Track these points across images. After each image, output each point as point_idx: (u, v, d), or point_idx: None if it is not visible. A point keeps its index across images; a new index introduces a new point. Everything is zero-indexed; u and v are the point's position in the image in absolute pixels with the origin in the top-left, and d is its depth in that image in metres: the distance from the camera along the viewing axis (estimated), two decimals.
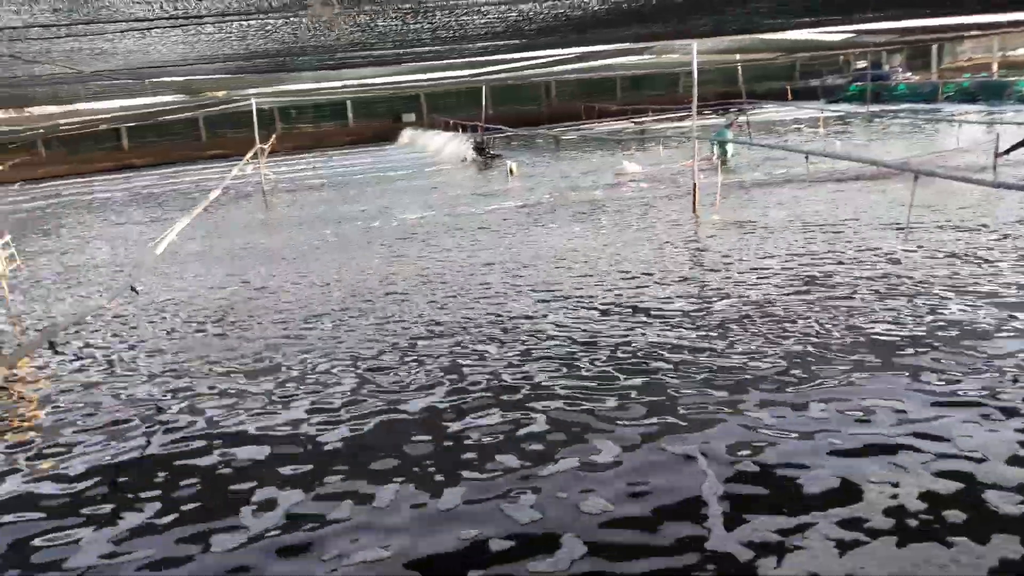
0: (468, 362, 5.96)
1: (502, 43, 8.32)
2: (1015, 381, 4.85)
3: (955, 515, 3.50)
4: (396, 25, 6.09)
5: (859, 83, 31.61)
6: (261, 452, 4.77)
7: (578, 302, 7.26)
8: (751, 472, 4.02)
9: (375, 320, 7.26)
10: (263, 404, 5.48)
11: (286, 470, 4.50)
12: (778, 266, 7.94)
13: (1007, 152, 12.79)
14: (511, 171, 18.52)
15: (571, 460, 4.32)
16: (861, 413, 4.59)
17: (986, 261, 7.44)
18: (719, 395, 5.01)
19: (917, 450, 4.11)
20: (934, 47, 35.83)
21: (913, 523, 3.46)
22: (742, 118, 20.68)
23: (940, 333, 5.70)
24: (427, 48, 8.17)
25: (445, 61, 10.07)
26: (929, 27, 16.89)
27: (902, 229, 8.81)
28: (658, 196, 13.42)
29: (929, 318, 6.02)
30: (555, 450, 4.46)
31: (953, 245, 8.15)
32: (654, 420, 4.72)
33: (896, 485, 3.76)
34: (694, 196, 11.44)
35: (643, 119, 32.31)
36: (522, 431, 4.75)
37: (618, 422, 4.75)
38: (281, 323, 7.47)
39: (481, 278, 8.50)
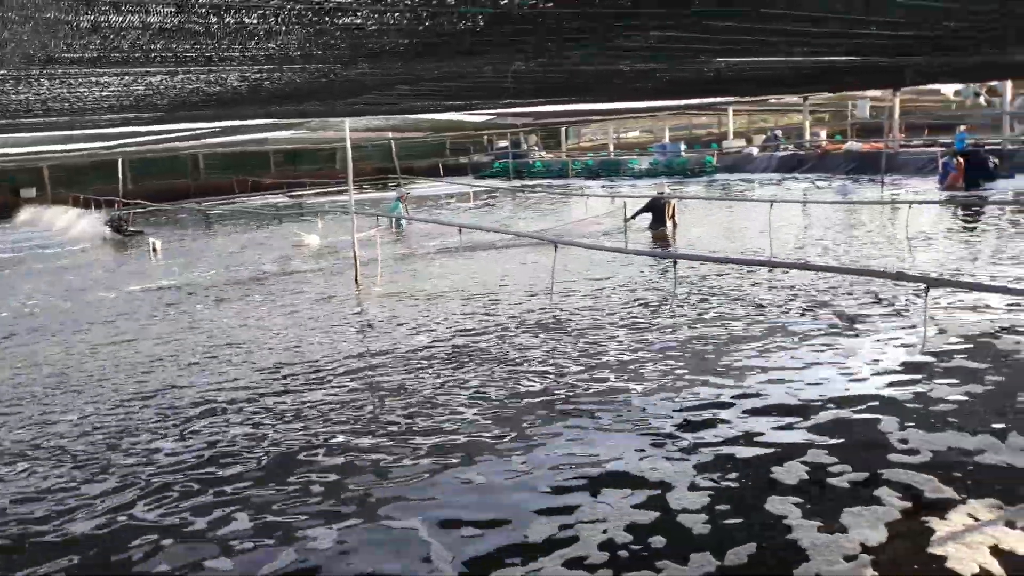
0: (137, 466, 5.15)
1: (132, 116, 7.57)
2: (672, 417, 5.47)
3: (658, 540, 3.90)
4: None
5: (502, 160, 34.32)
6: None
7: (240, 386, 6.66)
8: (473, 533, 4.12)
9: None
10: None
11: None
12: (435, 333, 8.04)
13: (632, 218, 14.62)
14: (154, 249, 17.06)
15: (289, 554, 3.99)
16: (558, 460, 4.92)
17: (612, 314, 8.21)
18: (423, 463, 5.03)
19: (616, 487, 4.49)
20: (563, 129, 40.21)
21: (624, 554, 3.80)
22: (400, 194, 21.24)
23: (595, 380, 6.11)
24: (39, 119, 7.17)
25: (65, 132, 8.97)
26: (557, 112, 18.86)
27: (547, 292, 9.43)
28: (326, 269, 13.15)
29: (588, 369, 6.44)
30: (266, 546, 4.10)
31: (591, 300, 8.90)
32: (364, 498, 4.58)
33: (604, 521, 4.11)
34: (355, 269, 11.38)
35: (300, 192, 31.94)
36: (224, 530, 4.29)
37: (326, 505, 4.51)
38: None
39: (121, 371, 7.48)
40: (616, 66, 7.54)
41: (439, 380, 6.69)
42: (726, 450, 4.94)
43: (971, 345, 6.71)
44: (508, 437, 5.38)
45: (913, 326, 7.29)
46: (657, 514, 4.17)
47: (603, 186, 26.68)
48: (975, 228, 13.40)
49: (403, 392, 6.43)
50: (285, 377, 7.09)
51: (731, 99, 21.83)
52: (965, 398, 5.54)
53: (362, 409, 6.11)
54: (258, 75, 5.31)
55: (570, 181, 30.33)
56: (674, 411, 5.66)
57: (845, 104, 32.53)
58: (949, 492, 4.18)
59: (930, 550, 3.65)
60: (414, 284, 11.32)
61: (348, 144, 11.97)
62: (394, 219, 17.47)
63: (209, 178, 35.77)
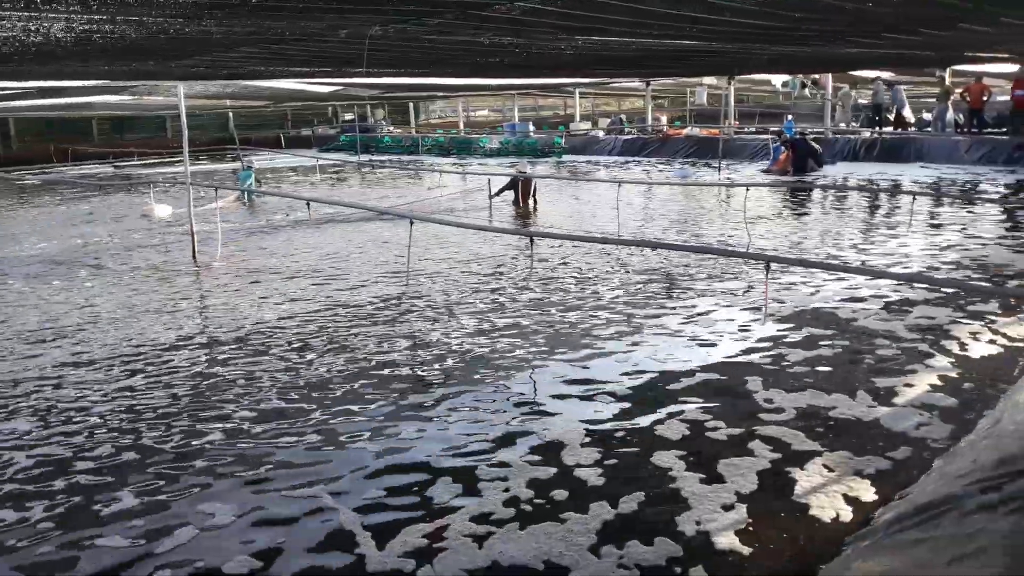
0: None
1: None
2: (552, 384, 5.70)
3: (559, 493, 4.09)
4: None
5: (349, 134, 33.38)
6: None
7: (80, 372, 6.04)
8: (378, 497, 4.15)
9: None
10: None
11: None
12: (283, 311, 7.65)
13: (497, 195, 14.61)
14: None
15: (188, 529, 3.86)
16: (447, 427, 5.01)
17: (476, 293, 8.13)
18: (308, 439, 4.90)
19: (512, 448, 4.66)
20: (411, 105, 39.63)
21: (528, 508, 3.97)
22: (251, 165, 20.11)
23: (465, 352, 6.01)
24: None
25: None
26: (408, 85, 18.46)
27: (403, 268, 9.20)
28: (164, 244, 12.29)
29: (457, 341, 6.30)
30: (158, 524, 3.92)
31: (449, 276, 8.77)
32: (255, 474, 4.45)
33: (506, 479, 4.26)
34: (192, 244, 10.69)
35: (127, 163, 29.83)
36: (108, 510, 4.08)
37: (212, 483, 4.35)
38: None
39: None
40: (476, 38, 7.39)
41: (294, 361, 6.37)
42: (609, 412, 5.18)
43: (812, 316, 7.19)
44: (387, 410, 5.32)
45: (757, 300, 7.65)
46: (554, 470, 4.37)
47: (454, 163, 26.49)
48: (806, 210, 14.31)
49: (260, 373, 6.06)
50: (126, 362, 6.51)
51: (580, 80, 22.21)
52: (816, 361, 5.99)
53: (219, 391, 5.72)
54: (88, 26, 4.77)
55: (421, 157, 29.92)
56: (552, 379, 5.83)
57: (684, 91, 33.94)
58: (811, 445, 4.57)
59: (795, 499, 3.99)
60: (259, 260, 10.77)
61: (183, 112, 11.13)
62: (245, 191, 16.58)
63: (22, 146, 32.58)
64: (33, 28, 4.80)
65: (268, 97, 23.60)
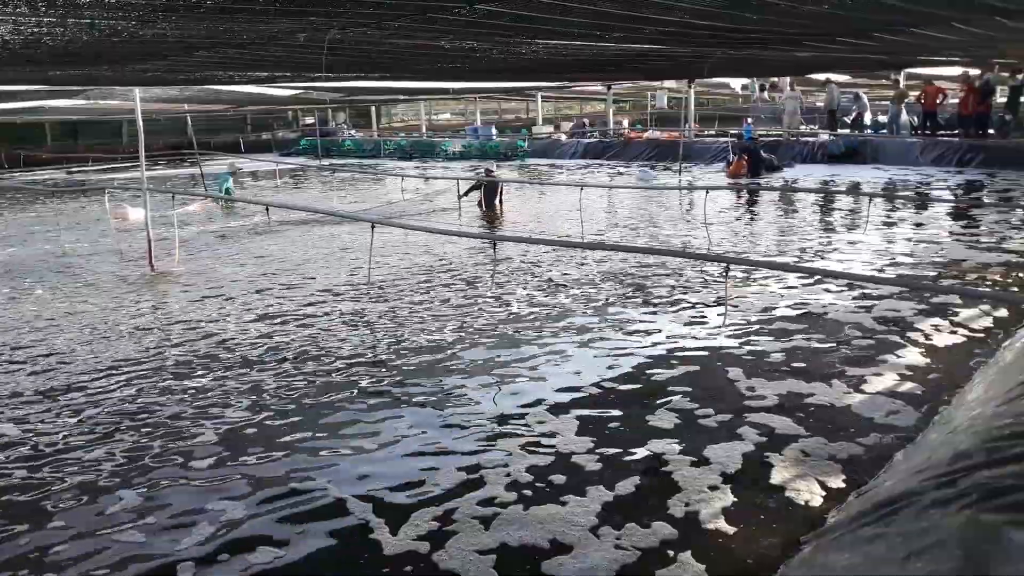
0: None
1: None
2: (539, 378, 5.63)
3: (558, 478, 4.34)
4: None
5: (309, 138, 33.07)
6: None
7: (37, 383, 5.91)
8: (384, 486, 4.33)
9: None
10: None
11: None
12: (241, 317, 7.56)
13: (465, 195, 14.61)
14: None
15: (203, 527, 3.93)
16: (442, 421, 5.19)
17: (441, 295, 8.11)
18: (299, 435, 5.03)
19: (510, 438, 4.87)
20: (373, 108, 39.42)
21: (529, 492, 4.20)
22: (204, 169, 19.82)
23: (405, 353, 5.98)
24: None
25: None
26: (366, 88, 18.35)
27: (364, 273, 9.15)
28: (131, 246, 12.10)
29: (398, 344, 6.27)
30: (171, 522, 4.02)
31: (412, 289, 8.73)
32: (255, 472, 4.56)
33: (507, 466, 4.50)
34: (149, 249, 10.52)
35: (81, 168, 29.26)
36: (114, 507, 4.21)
37: (216, 483, 4.45)
38: None
39: None
40: (436, 42, 7.37)
41: (265, 367, 6.31)
42: (601, 403, 5.40)
43: (780, 313, 7.41)
44: (383, 408, 5.45)
45: (724, 299, 7.74)
46: (552, 458, 4.60)
47: (416, 167, 26.38)
48: (763, 213, 14.50)
49: (242, 378, 5.99)
50: (84, 373, 6.38)
51: (542, 84, 22.26)
52: (790, 352, 6.26)
53: (200, 394, 5.62)
54: (36, 29, 4.66)
55: (383, 161, 29.76)
56: (536, 374, 6.01)
57: (645, 95, 34.19)
58: (791, 429, 4.85)
59: (772, 481, 4.26)
60: (216, 266, 10.63)
61: (139, 117, 10.94)
62: (222, 198, 16.40)
63: None
64: None
65: (227, 101, 23.29)
